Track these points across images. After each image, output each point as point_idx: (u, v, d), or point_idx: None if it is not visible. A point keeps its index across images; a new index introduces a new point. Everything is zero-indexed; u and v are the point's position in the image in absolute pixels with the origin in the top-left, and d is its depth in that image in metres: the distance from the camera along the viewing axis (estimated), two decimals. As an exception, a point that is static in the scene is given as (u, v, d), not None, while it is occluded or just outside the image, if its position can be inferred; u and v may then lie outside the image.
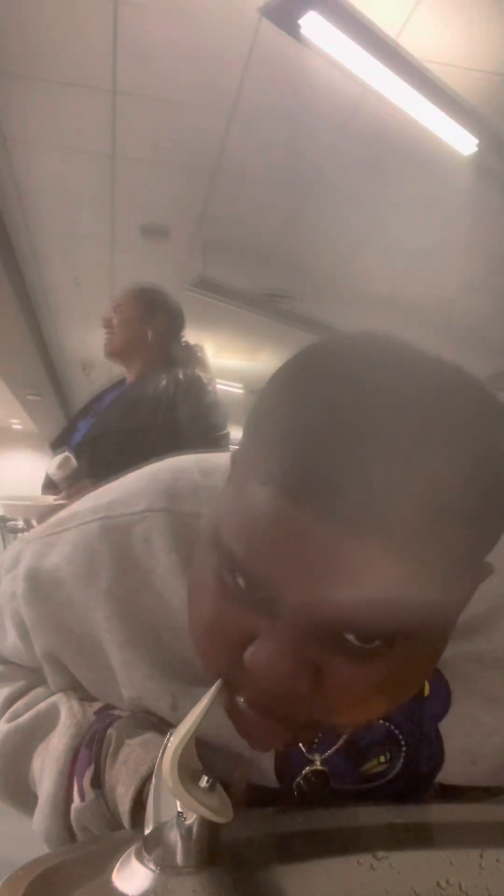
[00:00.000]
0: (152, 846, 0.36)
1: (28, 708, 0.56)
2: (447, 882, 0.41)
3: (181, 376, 1.99)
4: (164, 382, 1.95)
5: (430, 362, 0.36)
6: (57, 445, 2.04)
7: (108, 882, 0.36)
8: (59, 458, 1.77)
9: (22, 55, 2.68)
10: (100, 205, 3.88)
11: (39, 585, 0.53)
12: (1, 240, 4.24)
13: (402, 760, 0.50)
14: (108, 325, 2.04)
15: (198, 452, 0.58)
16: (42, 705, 0.55)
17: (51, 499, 1.80)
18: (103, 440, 1.90)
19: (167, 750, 0.36)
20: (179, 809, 0.36)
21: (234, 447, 0.44)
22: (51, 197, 3.85)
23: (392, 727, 0.50)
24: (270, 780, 0.50)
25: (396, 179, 3.33)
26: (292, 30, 2.24)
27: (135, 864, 0.36)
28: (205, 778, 0.36)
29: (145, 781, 0.44)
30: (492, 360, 5.63)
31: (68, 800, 0.50)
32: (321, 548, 0.32)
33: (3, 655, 0.61)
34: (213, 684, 0.40)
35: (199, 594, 0.40)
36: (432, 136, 2.79)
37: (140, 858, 0.36)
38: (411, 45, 2.41)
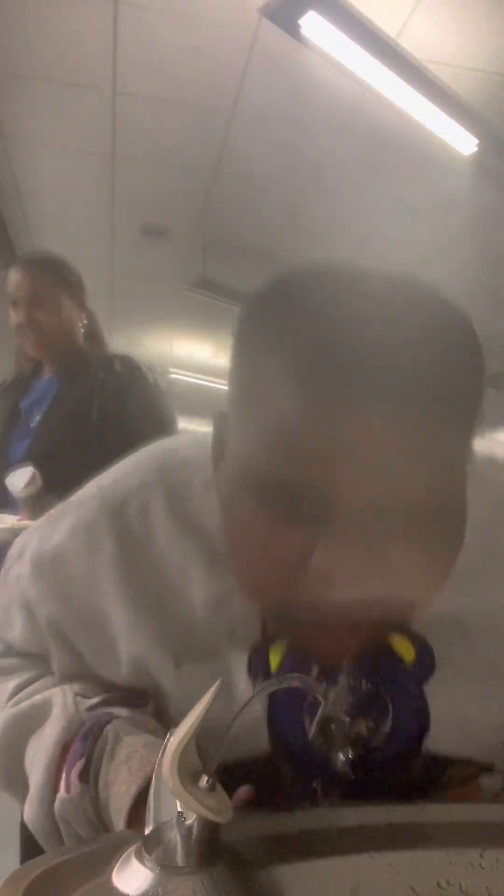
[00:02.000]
0: (152, 846, 0.36)
1: (29, 697, 0.58)
2: (447, 882, 0.41)
3: (118, 366, 1.74)
4: (100, 375, 1.71)
5: (391, 274, 0.43)
6: None
7: (108, 882, 0.36)
8: (24, 474, 1.57)
9: (22, 55, 2.68)
10: (100, 205, 3.88)
11: (44, 564, 0.56)
12: (1, 240, 4.24)
13: (389, 724, 0.51)
14: (31, 324, 1.71)
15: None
16: (39, 697, 0.57)
17: (13, 519, 1.59)
18: (59, 452, 1.66)
19: (167, 750, 0.36)
20: (179, 809, 0.36)
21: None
22: (51, 197, 3.85)
23: (378, 690, 0.51)
24: (263, 746, 0.51)
25: (396, 179, 3.33)
26: (292, 30, 2.25)
27: (135, 864, 0.36)
28: (205, 778, 0.36)
29: (150, 781, 0.44)
30: (492, 360, 5.62)
31: (55, 791, 0.50)
32: (352, 428, 0.38)
33: (14, 647, 0.63)
34: (221, 638, 0.45)
35: (243, 542, 0.44)
36: (432, 136, 2.79)
37: (140, 858, 0.36)
38: (411, 45, 2.41)
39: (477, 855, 0.42)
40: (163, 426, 1.69)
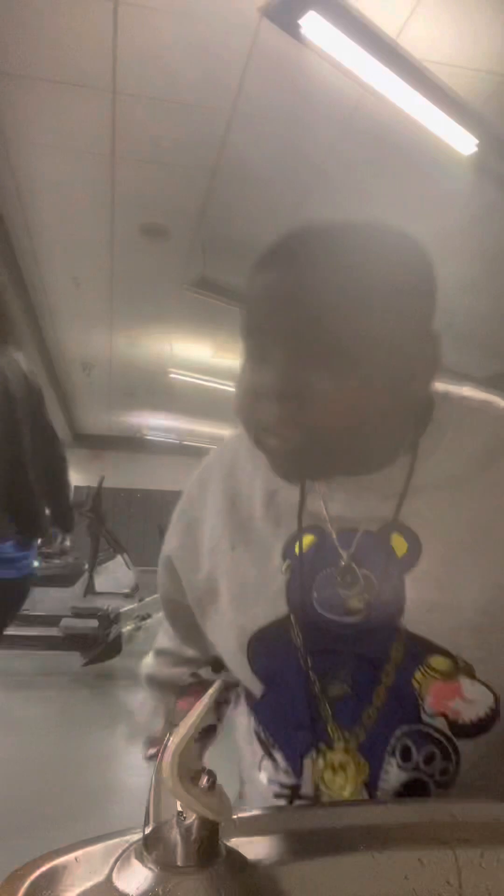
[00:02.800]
0: (152, 846, 0.36)
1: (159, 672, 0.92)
2: (447, 882, 0.41)
3: None
4: None
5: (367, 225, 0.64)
6: None
7: (108, 882, 0.36)
8: None
9: (22, 55, 2.68)
10: (100, 205, 3.88)
11: (183, 497, 0.84)
12: (1, 240, 4.24)
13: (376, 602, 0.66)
14: None
15: None
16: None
17: None
18: None
19: (167, 750, 0.36)
20: (179, 809, 0.36)
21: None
22: (51, 197, 3.85)
23: (371, 576, 0.65)
24: (282, 611, 0.67)
25: (396, 179, 3.33)
26: (292, 30, 2.25)
27: (135, 864, 0.36)
28: (205, 778, 0.36)
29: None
30: (492, 360, 5.62)
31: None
32: (299, 294, 0.58)
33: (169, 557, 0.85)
34: (270, 526, 0.70)
35: (239, 396, 0.64)
36: (432, 136, 2.79)
37: (140, 858, 0.36)
38: (411, 45, 2.41)
39: (477, 855, 0.42)
40: None
